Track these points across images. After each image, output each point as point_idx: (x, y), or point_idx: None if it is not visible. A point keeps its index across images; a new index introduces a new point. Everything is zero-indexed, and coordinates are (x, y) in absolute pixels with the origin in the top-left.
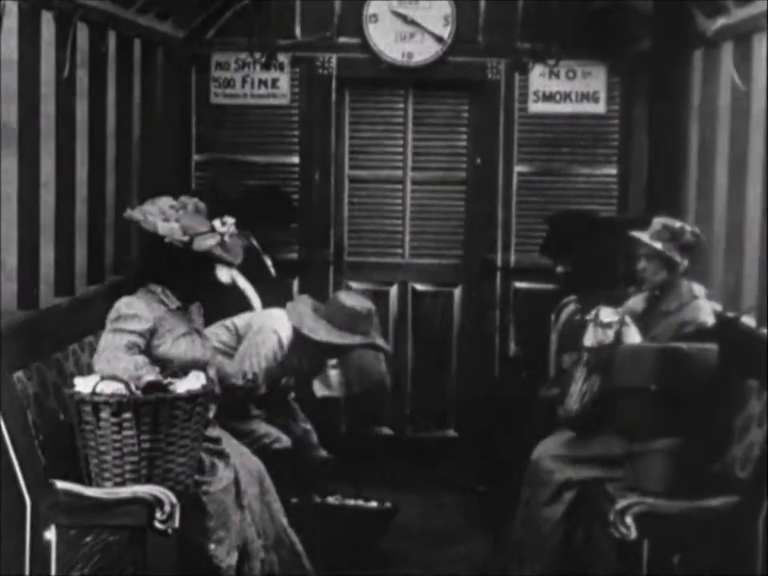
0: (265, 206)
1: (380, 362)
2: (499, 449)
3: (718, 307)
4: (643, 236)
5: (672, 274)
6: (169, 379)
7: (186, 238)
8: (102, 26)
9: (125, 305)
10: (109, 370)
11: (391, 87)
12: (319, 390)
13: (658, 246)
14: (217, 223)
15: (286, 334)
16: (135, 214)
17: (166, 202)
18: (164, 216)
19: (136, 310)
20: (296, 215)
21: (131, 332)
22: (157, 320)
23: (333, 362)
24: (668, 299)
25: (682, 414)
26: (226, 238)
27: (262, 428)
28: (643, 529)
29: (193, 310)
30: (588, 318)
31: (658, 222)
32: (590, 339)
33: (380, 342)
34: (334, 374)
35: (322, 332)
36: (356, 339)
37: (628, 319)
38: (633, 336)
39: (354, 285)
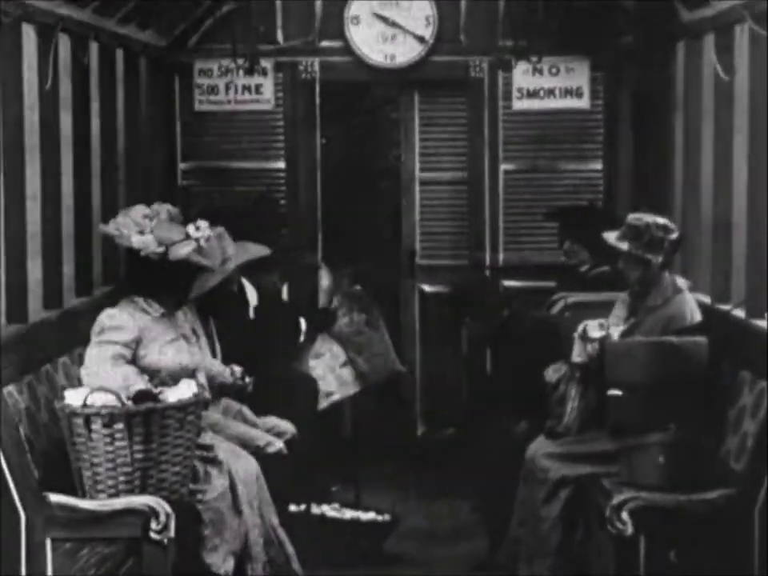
0: (254, 215)
1: (389, 348)
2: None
3: (704, 299)
4: (610, 237)
5: (647, 271)
6: (159, 388)
7: (161, 249)
8: (84, 37)
9: (107, 317)
10: (97, 383)
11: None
12: (337, 390)
13: (624, 246)
14: (191, 229)
15: None
16: (110, 229)
17: (139, 211)
18: (139, 228)
19: (119, 322)
20: (284, 221)
21: (116, 343)
22: (141, 330)
23: (342, 359)
24: (652, 295)
25: (675, 408)
26: (202, 243)
27: (253, 432)
28: (639, 524)
29: (179, 316)
30: (575, 333)
31: (628, 219)
32: (578, 355)
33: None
34: (345, 371)
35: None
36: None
37: (614, 330)
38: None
39: (426, 288)
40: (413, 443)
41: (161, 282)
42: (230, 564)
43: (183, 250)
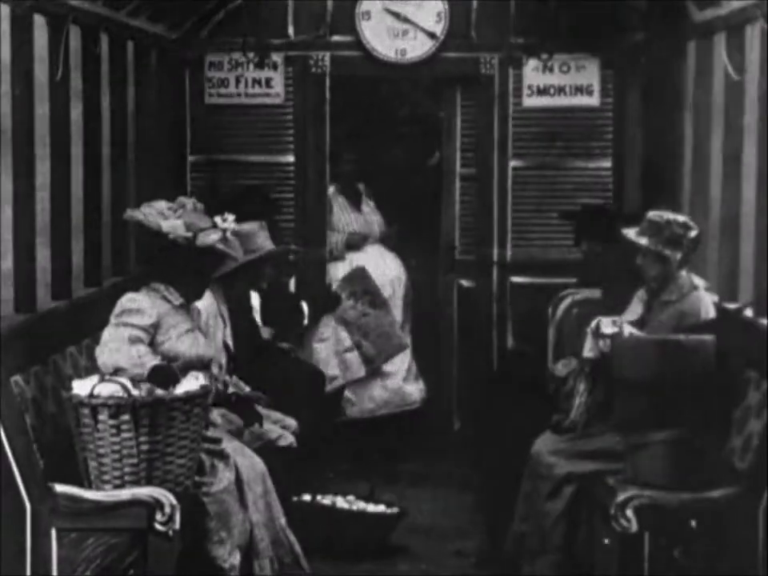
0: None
1: (393, 323)
2: (498, 443)
3: (716, 299)
4: (630, 233)
5: (666, 268)
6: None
7: (189, 234)
8: (95, 29)
9: (128, 300)
10: (111, 361)
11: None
12: (342, 375)
13: (644, 242)
14: (218, 220)
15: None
16: (136, 214)
17: (163, 204)
18: (164, 216)
19: (140, 305)
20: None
21: (134, 326)
22: (160, 316)
23: (347, 344)
24: (667, 290)
25: (681, 406)
26: (228, 235)
27: (265, 425)
28: (644, 521)
29: (194, 309)
30: (588, 328)
31: (648, 215)
32: (590, 350)
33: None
34: (351, 356)
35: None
36: (256, 253)
37: (627, 327)
38: None
39: (464, 283)
40: (449, 439)
41: (185, 267)
42: (236, 558)
43: (211, 237)
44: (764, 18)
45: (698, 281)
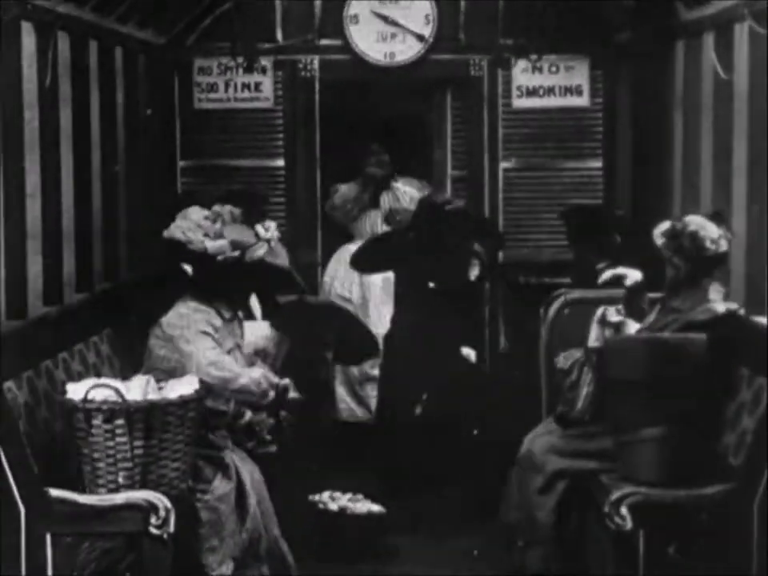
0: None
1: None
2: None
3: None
4: (659, 229)
5: (677, 274)
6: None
7: (237, 253)
8: (84, 36)
9: (193, 310)
10: (231, 371)
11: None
12: None
13: (659, 242)
14: (260, 230)
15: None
16: (176, 233)
17: (198, 214)
18: (203, 231)
19: (208, 317)
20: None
21: (209, 334)
22: (217, 331)
23: None
24: (677, 298)
25: (673, 405)
26: (272, 243)
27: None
28: (638, 519)
29: (235, 323)
30: (594, 318)
31: (683, 219)
32: (596, 340)
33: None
34: None
35: None
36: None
37: (631, 323)
38: (633, 332)
39: None
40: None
41: (234, 284)
42: (227, 568)
43: (258, 253)
44: (752, 17)
45: (715, 293)
